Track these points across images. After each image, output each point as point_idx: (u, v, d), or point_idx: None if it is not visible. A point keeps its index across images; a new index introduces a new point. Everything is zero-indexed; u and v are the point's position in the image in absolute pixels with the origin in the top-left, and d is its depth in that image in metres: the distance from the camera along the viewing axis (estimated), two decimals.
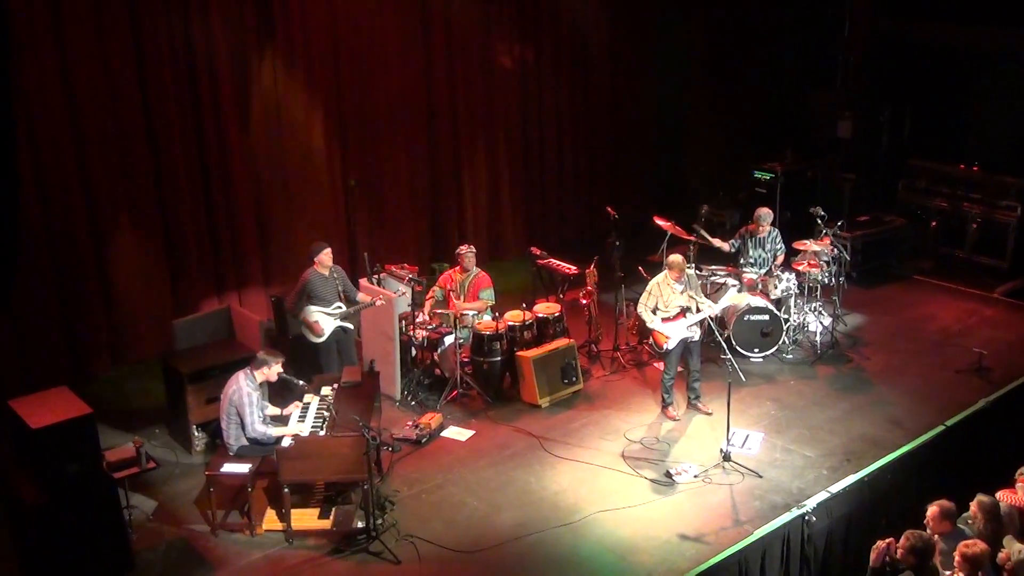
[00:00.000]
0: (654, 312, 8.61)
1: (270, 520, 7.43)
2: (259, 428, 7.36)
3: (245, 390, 7.30)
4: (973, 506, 6.32)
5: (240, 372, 7.44)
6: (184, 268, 10.18)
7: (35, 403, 6.59)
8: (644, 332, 10.24)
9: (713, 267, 10.27)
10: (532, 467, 8.17)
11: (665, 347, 8.55)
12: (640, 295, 10.35)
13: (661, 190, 14.24)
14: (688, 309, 8.55)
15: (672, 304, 8.55)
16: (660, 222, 10.48)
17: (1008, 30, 12.20)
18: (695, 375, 8.84)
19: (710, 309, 8.70)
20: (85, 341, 9.68)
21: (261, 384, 7.50)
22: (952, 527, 6.15)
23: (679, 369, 8.97)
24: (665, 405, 8.89)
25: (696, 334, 8.63)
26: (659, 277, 8.68)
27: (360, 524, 7.29)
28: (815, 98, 14.28)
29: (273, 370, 7.47)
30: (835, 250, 10.23)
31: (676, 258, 8.59)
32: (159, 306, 10.01)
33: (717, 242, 10.20)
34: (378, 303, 8.83)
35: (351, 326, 8.96)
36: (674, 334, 8.55)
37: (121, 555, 6.79)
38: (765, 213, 10.11)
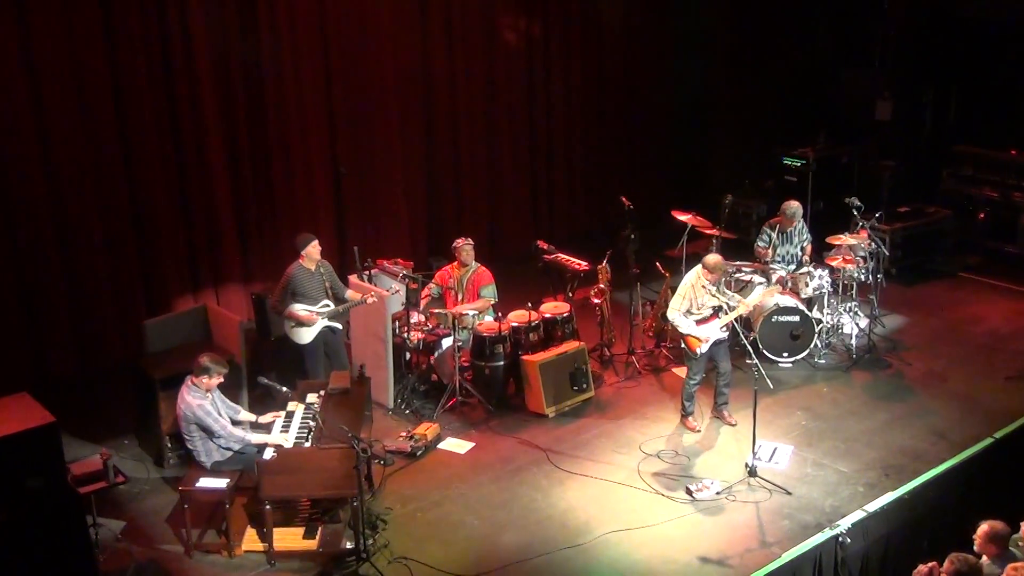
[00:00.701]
0: (686, 315, 8.57)
1: (250, 540, 7.42)
2: (236, 433, 7.35)
3: (195, 404, 7.28)
4: None
5: (183, 386, 7.41)
6: (156, 263, 10.19)
7: None
8: (661, 334, 10.25)
9: (738, 263, 10.25)
10: (538, 483, 8.17)
11: (698, 351, 8.53)
12: (657, 293, 10.39)
13: (680, 178, 14.23)
14: (720, 309, 8.52)
15: (706, 306, 8.53)
16: (680, 217, 10.45)
17: None
18: (725, 378, 8.83)
19: (743, 307, 8.68)
20: (48, 343, 9.71)
21: (208, 390, 7.44)
22: (1002, 549, 6.12)
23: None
24: (685, 414, 8.88)
25: (725, 334, 8.62)
26: (691, 278, 8.62)
27: (349, 545, 7.28)
28: (851, 77, 14.26)
29: (214, 380, 7.42)
30: (872, 244, 10.21)
31: (716, 259, 8.49)
32: (129, 305, 10.03)
33: (767, 258, 10.13)
34: (369, 301, 8.83)
35: (339, 326, 8.97)
36: (709, 335, 8.53)
37: None
38: (795, 207, 10.07)
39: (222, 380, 7.51)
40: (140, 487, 8.11)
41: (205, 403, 7.31)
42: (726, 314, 8.51)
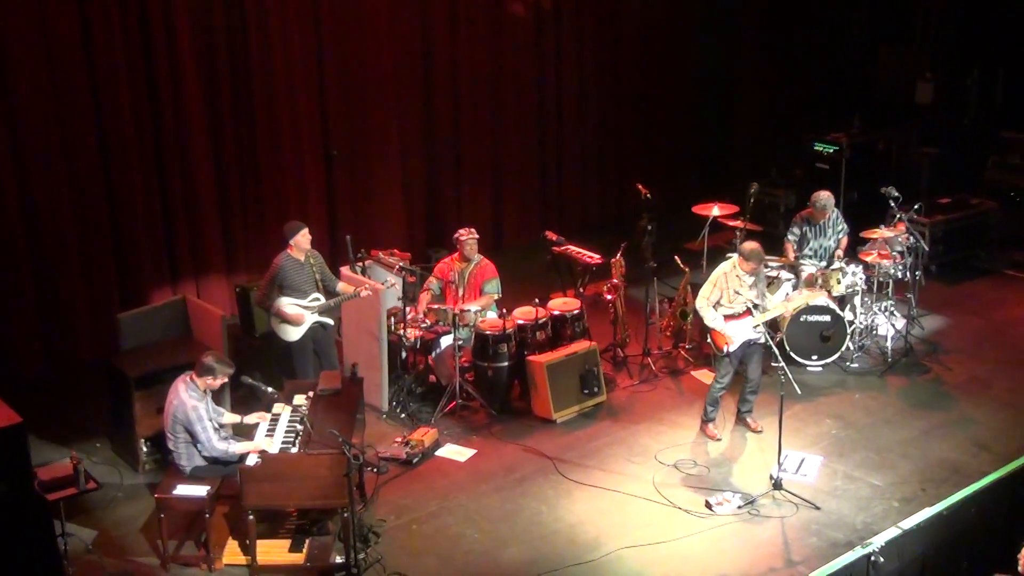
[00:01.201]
0: (716, 307, 8.57)
1: (231, 553, 7.44)
2: (218, 446, 7.37)
3: (189, 403, 7.30)
4: None
5: (179, 381, 7.44)
6: (132, 252, 10.22)
7: None
8: (679, 334, 10.26)
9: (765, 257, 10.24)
10: (544, 494, 8.18)
11: (726, 350, 8.53)
12: (676, 289, 10.39)
13: (703, 165, 14.23)
14: (755, 307, 8.50)
15: (739, 300, 8.50)
16: (702, 211, 10.43)
17: None
18: (751, 385, 8.83)
19: (782, 308, 8.65)
20: (14, 338, 9.74)
21: (206, 391, 7.50)
22: None
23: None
24: (706, 420, 8.89)
25: (761, 336, 8.59)
26: (726, 266, 8.62)
27: (339, 559, 7.29)
28: (890, 56, 14.23)
29: (218, 381, 7.47)
30: (911, 238, 10.19)
31: (754, 247, 8.45)
32: (102, 297, 10.06)
33: (781, 261, 10.07)
34: (362, 294, 8.85)
35: (331, 322, 8.99)
36: (738, 335, 8.52)
37: None
38: (825, 198, 10.03)
39: (225, 381, 7.54)
40: (113, 494, 8.13)
41: (200, 406, 7.33)
42: (761, 313, 8.48)
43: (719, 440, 8.82)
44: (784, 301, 8.86)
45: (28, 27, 9.27)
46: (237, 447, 7.43)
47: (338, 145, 11.08)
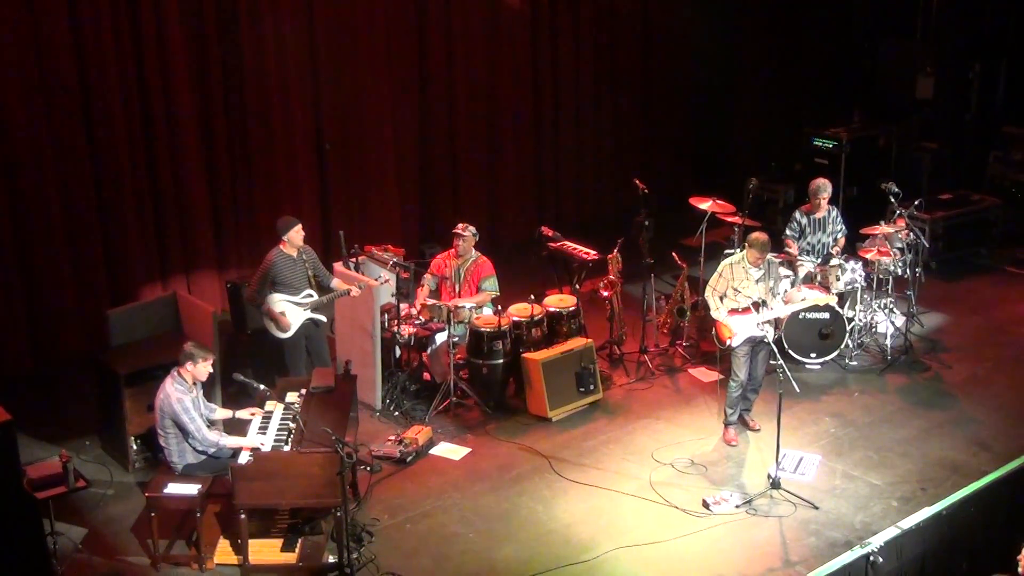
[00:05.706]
0: (722, 300, 8.59)
1: (223, 552, 7.46)
2: (209, 437, 7.39)
3: (174, 396, 7.32)
4: None
5: (167, 377, 7.46)
6: (122, 247, 10.21)
7: None
8: (677, 331, 10.28)
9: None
10: (540, 493, 8.21)
11: (728, 343, 8.54)
12: (673, 286, 10.42)
13: (701, 160, 14.24)
14: (762, 303, 8.50)
15: (745, 294, 8.50)
16: (701, 205, 10.44)
17: None
18: (753, 383, 8.84)
19: (784, 308, 8.70)
20: (2, 335, 9.72)
21: (194, 384, 7.52)
22: None
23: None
24: (726, 424, 8.86)
25: (769, 334, 8.58)
26: (734, 258, 8.64)
27: (332, 559, 7.32)
28: (890, 50, 14.24)
29: (201, 367, 7.46)
30: (911, 235, 10.22)
31: (759, 236, 8.47)
32: (91, 292, 10.05)
33: (792, 250, 10.07)
34: (353, 293, 8.87)
35: (323, 319, 9.00)
36: (741, 330, 8.53)
37: None
38: (821, 184, 10.01)
39: (211, 370, 7.56)
40: (103, 492, 8.14)
41: (186, 399, 7.35)
42: (767, 311, 8.48)
43: (735, 446, 8.77)
44: (790, 303, 8.85)
45: (17, 19, 9.24)
46: (228, 440, 7.44)
47: (331, 139, 11.08)
